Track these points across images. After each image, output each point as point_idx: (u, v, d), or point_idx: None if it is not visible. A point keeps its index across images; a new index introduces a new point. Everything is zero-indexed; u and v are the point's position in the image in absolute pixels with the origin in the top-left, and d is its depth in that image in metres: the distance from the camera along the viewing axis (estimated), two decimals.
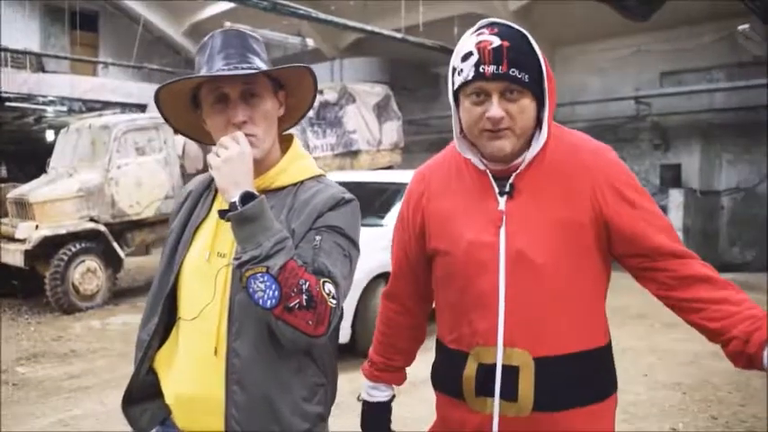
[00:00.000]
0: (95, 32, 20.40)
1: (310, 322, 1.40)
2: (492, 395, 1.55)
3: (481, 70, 1.46)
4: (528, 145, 1.56)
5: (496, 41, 1.47)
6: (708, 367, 5.99)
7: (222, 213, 1.43)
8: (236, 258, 1.42)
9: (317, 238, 1.50)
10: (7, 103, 17.68)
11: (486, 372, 1.56)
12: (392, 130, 13.23)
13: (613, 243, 1.57)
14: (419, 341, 1.87)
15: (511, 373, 1.53)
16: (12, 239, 9.00)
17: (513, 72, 1.45)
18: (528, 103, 1.50)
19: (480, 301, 1.56)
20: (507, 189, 1.55)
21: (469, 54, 1.49)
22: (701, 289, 1.49)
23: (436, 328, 1.75)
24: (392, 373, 1.81)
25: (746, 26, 11.81)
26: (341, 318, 1.68)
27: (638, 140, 14.70)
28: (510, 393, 1.53)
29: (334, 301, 1.44)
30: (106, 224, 9.47)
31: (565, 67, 15.85)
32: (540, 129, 1.54)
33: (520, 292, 1.53)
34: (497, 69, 1.45)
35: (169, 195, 10.04)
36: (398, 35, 13.03)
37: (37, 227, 8.87)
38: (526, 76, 1.47)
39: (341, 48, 17.06)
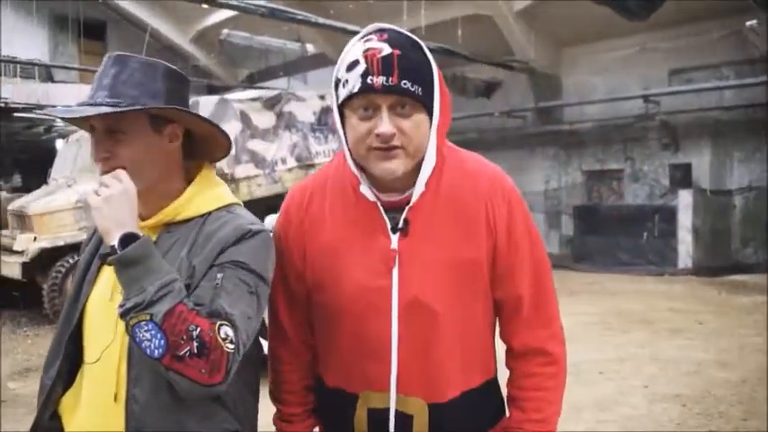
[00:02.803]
0: (103, 41, 20.46)
1: (203, 371, 1.30)
2: None
3: (369, 81, 1.30)
4: (419, 170, 1.42)
5: (386, 49, 1.32)
6: (710, 377, 5.82)
7: (103, 257, 1.33)
8: (120, 306, 1.32)
9: (219, 275, 1.39)
10: (16, 114, 17.80)
11: (377, 417, 1.47)
12: None
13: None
14: None
15: (405, 419, 1.46)
16: (11, 251, 8.98)
17: (405, 84, 1.31)
18: (422, 119, 1.36)
19: (372, 347, 1.45)
20: (401, 225, 1.43)
21: (356, 63, 1.34)
22: (522, 362, 1.52)
23: (315, 365, 1.61)
24: (314, 418, 1.65)
25: (754, 22, 11.58)
26: (263, 359, 1.58)
27: (646, 140, 14.49)
28: None
29: (232, 346, 1.33)
30: None
31: (571, 68, 15.67)
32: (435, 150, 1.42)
33: (414, 339, 1.43)
34: (387, 81, 1.30)
35: None
36: None
37: (35, 239, 8.84)
38: (419, 89, 1.33)
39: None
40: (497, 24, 14.67)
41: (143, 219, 1.49)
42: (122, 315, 1.30)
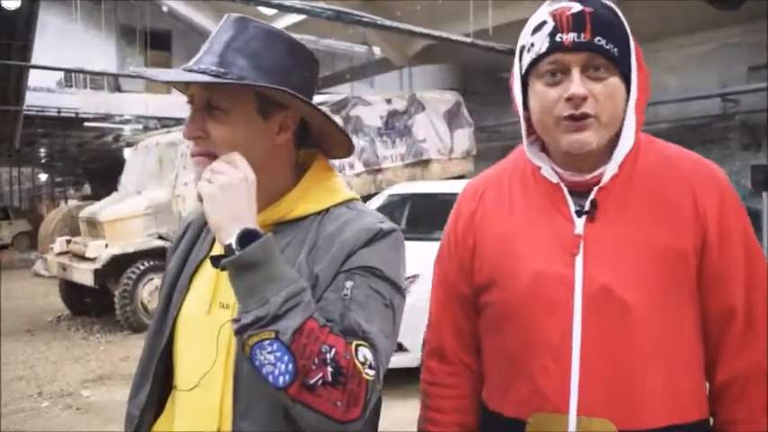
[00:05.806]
0: (169, 51, 20.89)
1: (339, 403, 1.05)
2: None
3: (558, 39, 1.16)
4: (611, 151, 1.23)
5: (577, 7, 1.17)
6: None
7: (215, 260, 1.11)
8: (235, 321, 1.08)
9: (348, 284, 1.15)
10: (86, 123, 18.29)
11: None
12: (463, 138, 12.77)
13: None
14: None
15: None
16: (83, 258, 9.07)
17: (600, 41, 1.15)
18: (618, 85, 1.19)
19: (546, 351, 1.20)
20: (587, 207, 1.21)
21: (543, 24, 1.19)
22: (730, 396, 1.21)
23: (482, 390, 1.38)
24: None
25: None
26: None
27: (725, 140, 13.84)
28: None
29: (372, 372, 1.08)
30: None
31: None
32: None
33: (602, 340, 1.17)
34: (579, 37, 1.15)
35: None
36: (467, 40, 12.67)
37: (107, 245, 8.91)
38: (615, 49, 1.17)
39: (409, 55, 16.79)
40: None
41: None
42: (238, 331, 1.06)
